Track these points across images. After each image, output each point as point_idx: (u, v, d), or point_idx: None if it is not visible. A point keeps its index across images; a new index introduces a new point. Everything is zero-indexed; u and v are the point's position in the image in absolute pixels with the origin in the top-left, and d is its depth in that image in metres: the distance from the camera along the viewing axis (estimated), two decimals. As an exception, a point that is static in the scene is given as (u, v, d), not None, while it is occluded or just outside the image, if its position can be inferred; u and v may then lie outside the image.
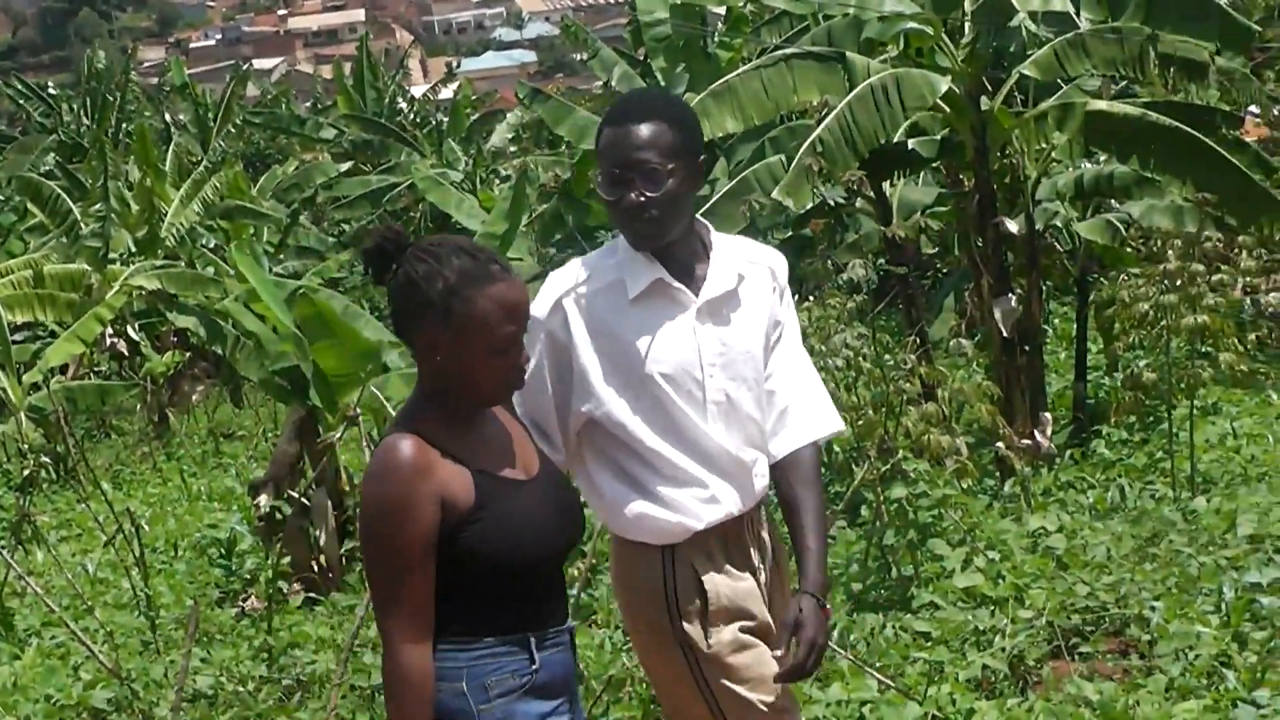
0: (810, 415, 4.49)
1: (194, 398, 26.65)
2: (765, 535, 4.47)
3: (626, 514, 4.34)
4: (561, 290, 4.37)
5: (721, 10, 21.81)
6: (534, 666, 3.77)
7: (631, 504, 4.33)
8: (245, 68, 47.54)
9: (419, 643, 3.65)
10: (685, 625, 4.33)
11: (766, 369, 4.42)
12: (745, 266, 4.40)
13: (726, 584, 4.33)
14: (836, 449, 10.66)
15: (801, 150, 13.71)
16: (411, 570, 3.64)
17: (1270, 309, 14.25)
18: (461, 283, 3.72)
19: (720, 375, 4.29)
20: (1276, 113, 23.97)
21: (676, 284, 4.29)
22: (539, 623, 3.83)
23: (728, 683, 4.33)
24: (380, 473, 3.69)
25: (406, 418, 3.80)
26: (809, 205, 13.77)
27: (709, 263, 4.36)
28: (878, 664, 7.21)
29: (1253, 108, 21.53)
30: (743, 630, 4.33)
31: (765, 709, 4.33)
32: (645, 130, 4.22)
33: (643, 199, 4.20)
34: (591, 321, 4.31)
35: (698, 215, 4.43)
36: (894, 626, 7.86)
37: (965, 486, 9.26)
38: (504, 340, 3.77)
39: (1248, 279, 14.19)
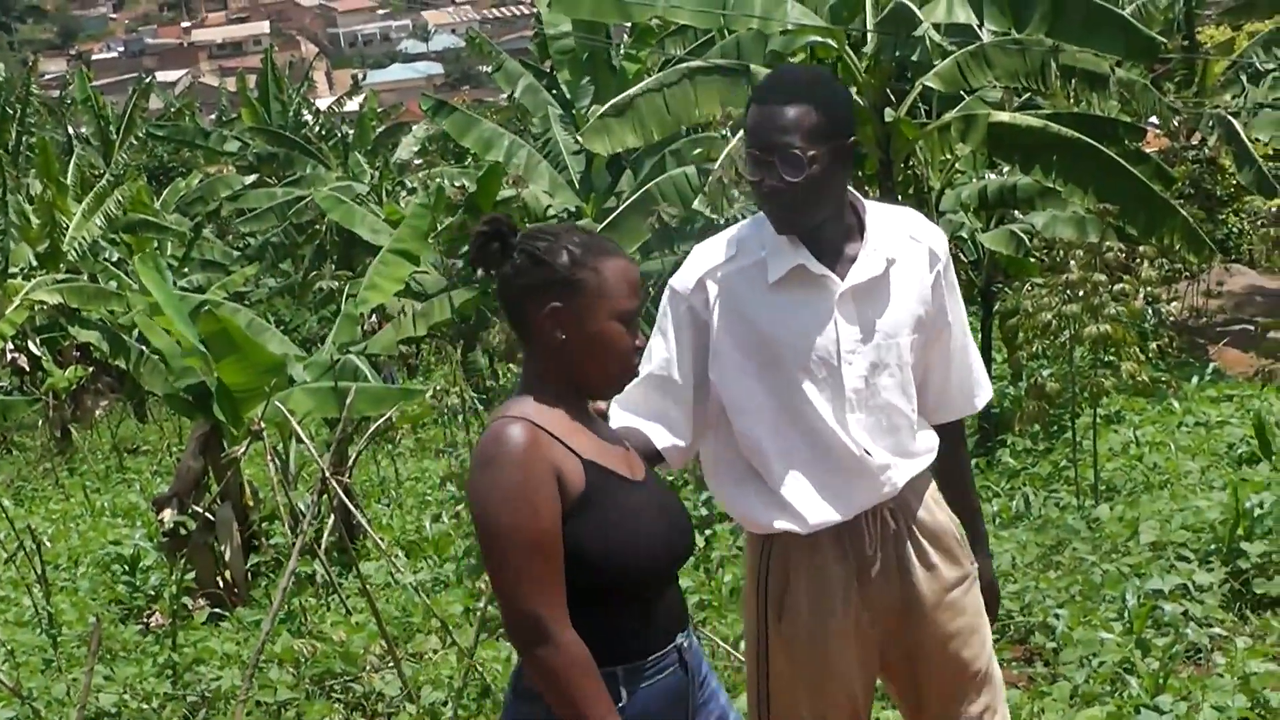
0: (967, 390, 4.48)
1: (97, 413, 26.44)
2: (894, 520, 4.26)
3: (737, 505, 4.31)
4: (705, 267, 4.23)
5: (627, 23, 21.86)
6: (619, 703, 3.55)
7: (743, 496, 4.28)
8: (148, 80, 47.06)
9: (569, 626, 3.45)
10: (770, 618, 4.30)
11: (925, 346, 4.31)
12: (901, 246, 4.23)
13: (817, 578, 4.24)
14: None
15: (719, 162, 13.77)
16: (552, 553, 3.48)
17: (1171, 318, 14.40)
18: (586, 254, 3.63)
19: (860, 362, 4.15)
20: (1177, 123, 24.25)
21: (820, 270, 4.14)
22: (638, 650, 3.62)
23: (781, 680, 4.32)
24: (494, 459, 3.51)
25: (512, 406, 3.63)
26: (729, 215, 13.81)
27: (861, 243, 4.18)
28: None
29: (1153, 119, 21.76)
30: (817, 628, 4.25)
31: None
32: (790, 112, 4.04)
33: (782, 184, 4.04)
34: (731, 302, 4.18)
35: (851, 190, 4.26)
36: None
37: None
38: (628, 314, 3.67)
39: (1149, 288, 14.34)
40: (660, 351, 4.26)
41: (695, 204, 14.25)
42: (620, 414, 4.24)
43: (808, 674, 4.28)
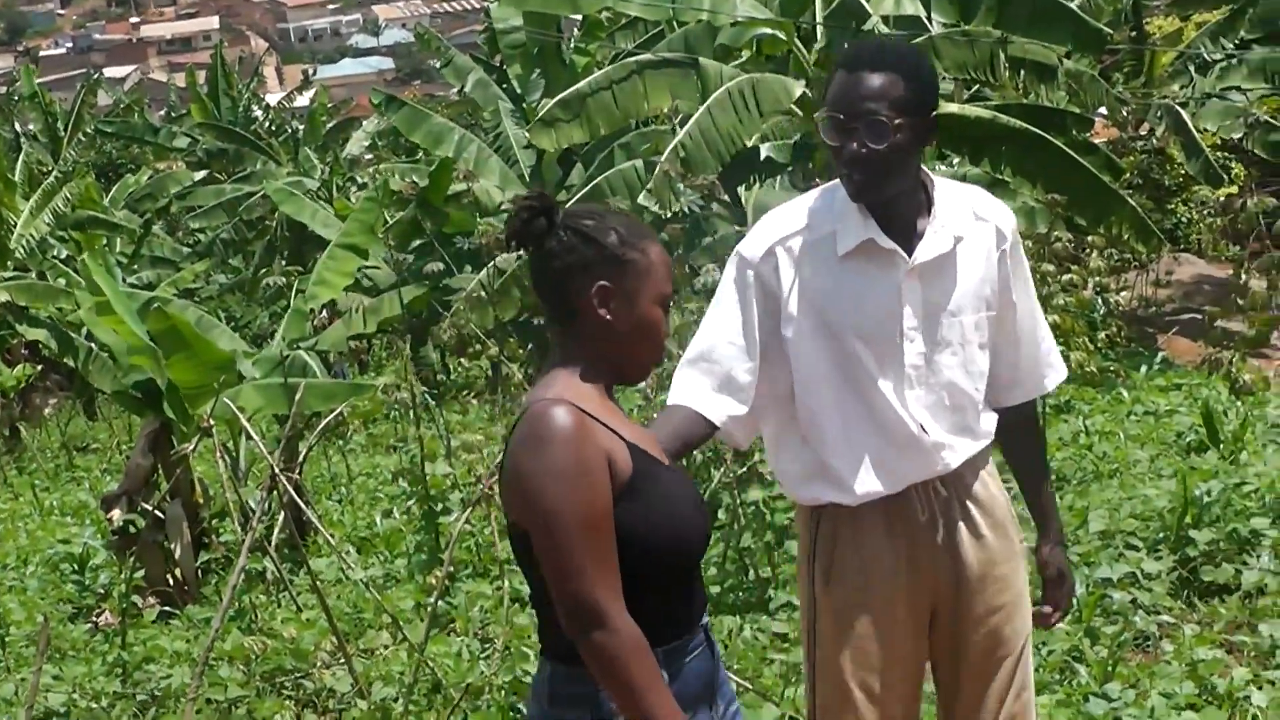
0: (1037, 370, 4.47)
1: (46, 411, 26.32)
2: (945, 488, 4.26)
3: (789, 478, 4.35)
4: (777, 236, 4.24)
5: (577, 16, 21.87)
6: (669, 685, 3.49)
7: (794, 464, 4.32)
8: (96, 76, 46.93)
9: (625, 610, 3.38)
10: (818, 585, 4.33)
11: (996, 327, 4.31)
12: (969, 225, 4.25)
13: (865, 548, 4.26)
14: (696, 454, 10.68)
15: (664, 156, 13.75)
16: (608, 535, 3.41)
17: (1120, 308, 14.46)
18: (632, 235, 3.60)
19: (920, 339, 4.18)
20: (1125, 114, 24.35)
21: (889, 244, 4.15)
22: (674, 632, 3.59)
23: (828, 647, 4.34)
24: (546, 440, 3.42)
25: (550, 388, 3.55)
26: (674, 210, 13.81)
27: (930, 219, 4.20)
28: (735, 666, 7.22)
29: (1102, 109, 21.85)
30: (864, 597, 4.27)
31: (858, 690, 4.31)
32: (877, 80, 4.05)
33: (864, 150, 4.04)
34: (799, 272, 4.19)
35: (922, 167, 4.26)
36: (752, 628, 7.88)
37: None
38: (667, 299, 3.66)
39: (1098, 278, 14.38)
40: (729, 319, 4.27)
41: (640, 199, 14.22)
42: (688, 384, 4.25)
43: (854, 642, 4.30)
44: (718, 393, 4.22)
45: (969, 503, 4.30)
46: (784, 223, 4.28)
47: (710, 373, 4.24)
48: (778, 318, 4.22)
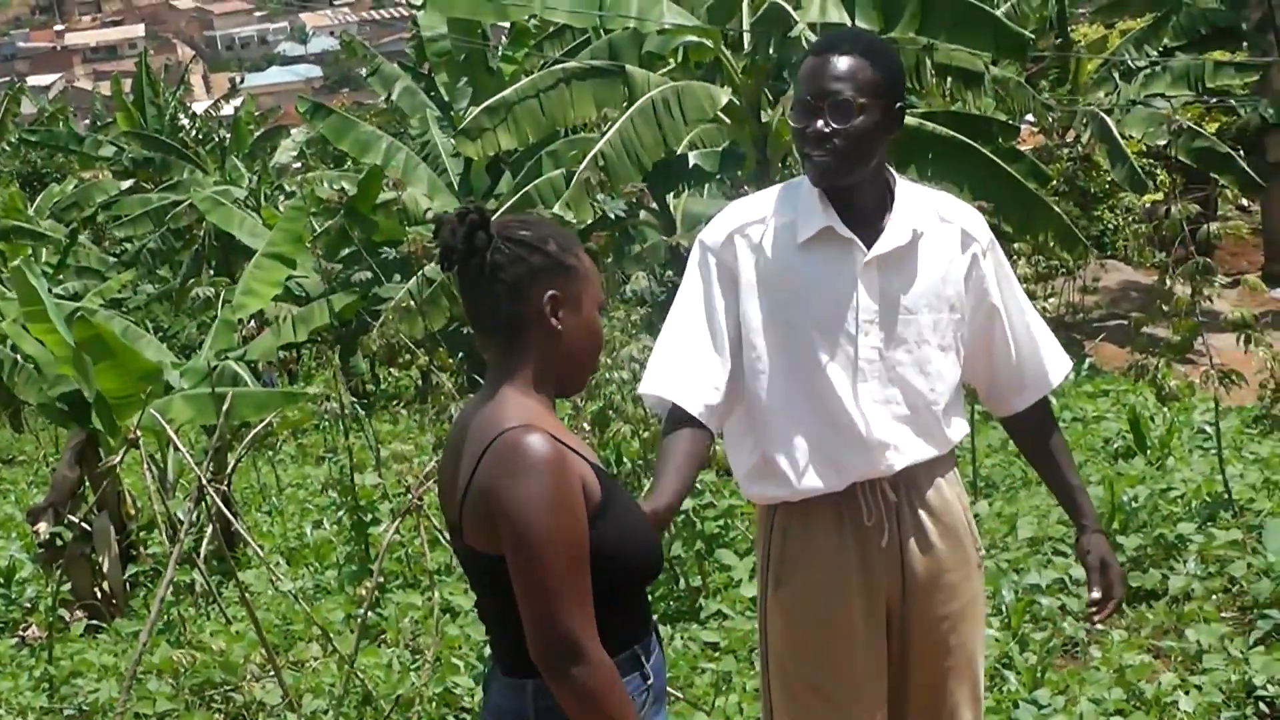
0: (1039, 370, 4.47)
1: (-29, 423, 26.08)
2: (894, 493, 4.24)
3: (740, 468, 4.36)
4: (736, 223, 4.29)
5: (505, 24, 21.87)
6: (649, 682, 3.56)
7: (746, 460, 4.33)
8: (20, 84, 46.58)
9: (599, 641, 3.35)
10: (770, 585, 4.35)
11: (974, 332, 4.32)
12: (930, 223, 4.25)
13: (813, 548, 4.26)
14: (626, 460, 10.67)
15: (583, 164, 13.74)
16: (585, 564, 3.36)
17: (1047, 314, 14.53)
18: (566, 240, 3.56)
19: (875, 333, 4.17)
20: (1051, 120, 24.52)
21: (847, 234, 4.17)
22: (641, 633, 3.60)
23: (777, 647, 4.36)
24: (528, 469, 3.35)
25: (504, 409, 3.47)
26: (590, 219, 13.79)
27: (890, 215, 4.21)
28: (667, 675, 7.21)
29: (1029, 116, 21.99)
30: (813, 597, 4.27)
31: (809, 692, 4.32)
32: (844, 63, 4.10)
33: (829, 129, 4.08)
34: (758, 259, 4.23)
35: (887, 165, 4.29)
36: (682, 637, 7.89)
37: (752, 496, 9.29)
38: (601, 305, 3.64)
39: (1025, 285, 14.44)
40: (696, 306, 4.29)
41: (555, 208, 14.21)
42: (662, 374, 4.29)
43: (804, 642, 4.31)
44: (691, 382, 4.24)
45: (920, 509, 4.28)
46: (744, 211, 4.33)
47: (682, 362, 4.26)
48: (737, 305, 4.25)
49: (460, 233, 3.49)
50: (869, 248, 4.17)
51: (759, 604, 4.45)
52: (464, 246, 3.49)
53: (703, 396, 4.23)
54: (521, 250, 3.50)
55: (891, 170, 4.31)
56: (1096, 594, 4.42)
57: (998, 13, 16.23)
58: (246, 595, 8.43)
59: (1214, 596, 7.47)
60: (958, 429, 4.35)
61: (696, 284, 4.30)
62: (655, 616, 3.99)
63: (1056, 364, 4.52)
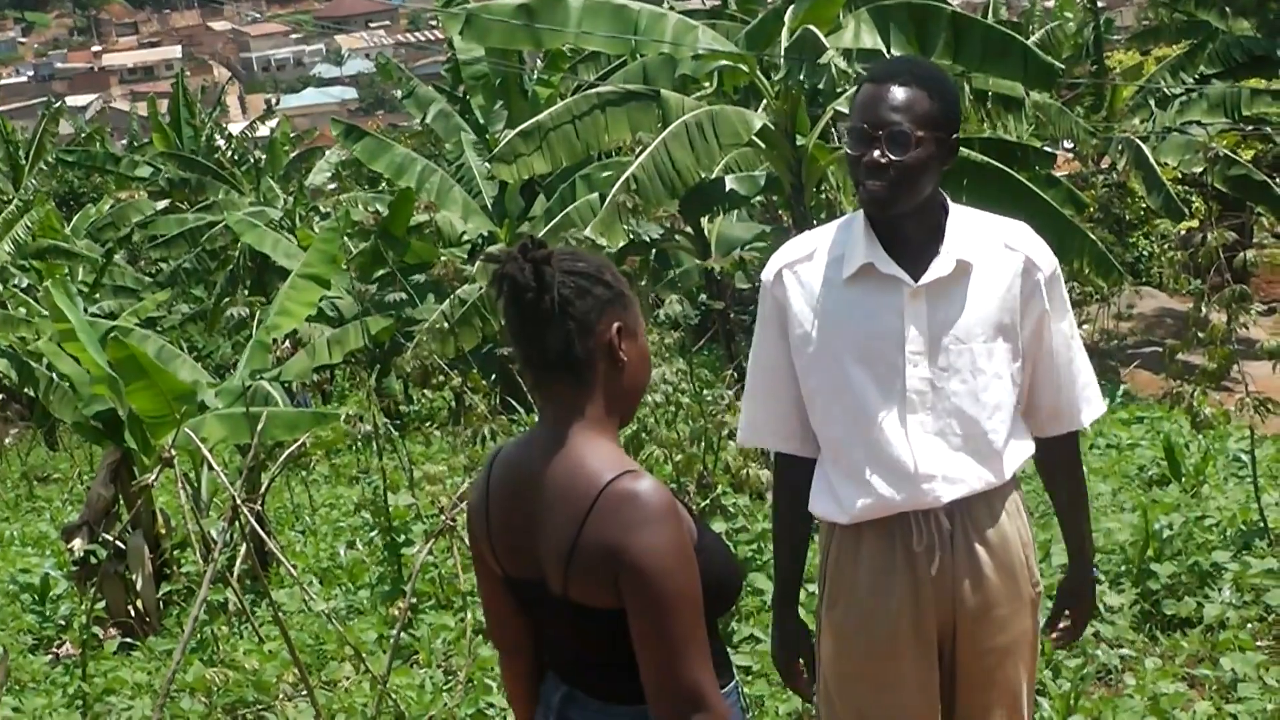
0: (1073, 406, 4.44)
1: (6, 441, 26.19)
2: (949, 521, 4.24)
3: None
4: (785, 259, 4.33)
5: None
6: (747, 713, 3.51)
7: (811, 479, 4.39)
8: (58, 105, 46.78)
9: (718, 686, 3.32)
10: (825, 604, 4.40)
11: (1026, 360, 4.30)
12: (986, 251, 4.23)
13: (866, 571, 4.28)
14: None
15: (615, 188, 13.74)
16: (703, 611, 3.30)
17: (1082, 341, 14.52)
18: (615, 268, 3.48)
19: (924, 364, 4.17)
20: (1090, 146, 24.48)
21: (889, 269, 4.17)
22: (728, 668, 3.55)
23: (828, 667, 4.39)
24: (654, 519, 3.25)
25: (601, 456, 3.38)
26: (623, 243, 13.79)
27: (941, 244, 4.20)
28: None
29: (1067, 143, 21.97)
30: (862, 620, 4.29)
31: (852, 714, 4.37)
32: (903, 93, 4.11)
33: (884, 160, 4.08)
34: (806, 295, 4.26)
35: (940, 191, 4.28)
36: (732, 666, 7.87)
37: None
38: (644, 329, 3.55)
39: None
40: (761, 346, 4.39)
41: (587, 230, 14.20)
42: (752, 421, 4.48)
43: (853, 664, 4.33)
44: (776, 424, 4.40)
45: (976, 542, 4.26)
46: (794, 248, 4.37)
47: (764, 406, 4.41)
48: (789, 339, 4.30)
49: (528, 269, 3.37)
50: (918, 278, 4.17)
51: (816, 622, 4.47)
52: (536, 284, 3.36)
53: (790, 433, 4.38)
54: (585, 282, 3.39)
55: (946, 199, 4.30)
56: (1065, 623, 4.60)
57: (1032, 39, 16.25)
58: (279, 615, 8.43)
59: (1249, 625, 7.45)
60: (1016, 455, 4.34)
61: (763, 323, 4.38)
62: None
63: (1092, 404, 4.49)
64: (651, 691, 3.29)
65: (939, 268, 4.17)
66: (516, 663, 3.75)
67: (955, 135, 4.20)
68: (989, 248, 4.24)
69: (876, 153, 4.09)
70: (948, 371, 4.19)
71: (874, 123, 4.11)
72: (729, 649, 8.02)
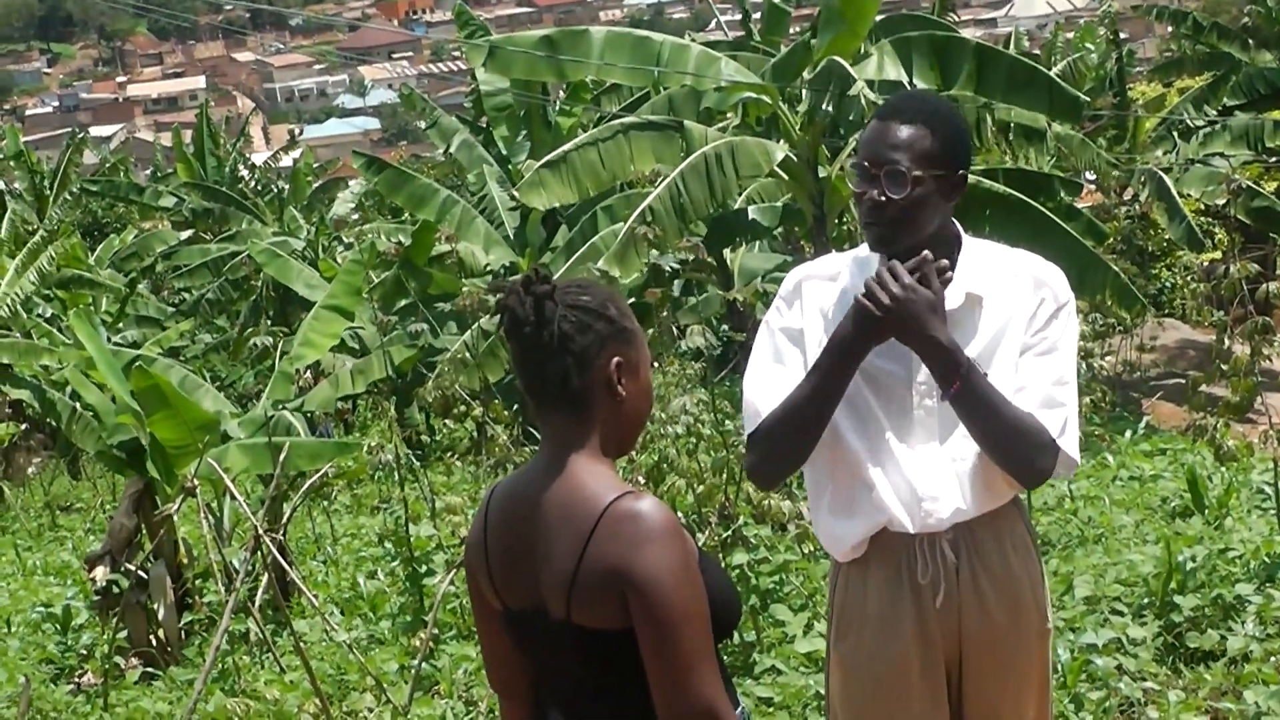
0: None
1: (29, 470, 26.23)
2: (954, 553, 4.21)
3: (813, 514, 4.40)
4: (804, 273, 4.36)
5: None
6: None
7: (816, 510, 4.37)
8: (82, 135, 46.87)
9: (729, 704, 3.37)
10: (834, 636, 4.38)
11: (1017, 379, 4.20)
12: (1000, 283, 4.23)
13: (872, 600, 4.27)
14: (680, 513, 10.67)
15: (631, 219, 13.76)
16: (710, 628, 3.33)
17: (1104, 372, 14.48)
18: (621, 303, 3.49)
19: (932, 390, 4.17)
20: (1116, 175, 24.48)
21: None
22: (732, 688, 3.54)
23: (836, 699, 4.38)
24: (657, 538, 3.27)
25: (599, 480, 3.40)
26: (636, 275, 13.80)
27: (951, 275, 4.17)
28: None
29: (1090, 174, 21.96)
30: (870, 650, 4.27)
31: None
32: (904, 131, 4.12)
33: (883, 199, 4.10)
34: (821, 314, 4.27)
35: (954, 223, 4.28)
36: (737, 693, 7.86)
37: (807, 552, 9.29)
38: (650, 366, 3.58)
39: (1082, 343, 14.38)
40: (792, 362, 4.28)
41: (601, 262, 14.20)
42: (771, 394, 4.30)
43: (860, 695, 4.32)
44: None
45: (981, 576, 4.24)
46: (813, 268, 4.40)
47: (778, 381, 4.29)
48: (804, 353, 4.27)
49: (528, 303, 3.41)
50: None
51: (825, 656, 4.46)
52: (535, 318, 3.40)
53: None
54: (587, 318, 3.43)
55: (959, 231, 4.29)
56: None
57: (1054, 70, 16.26)
58: (301, 645, 8.44)
59: (1273, 658, 7.42)
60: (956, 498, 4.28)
61: (780, 344, 4.31)
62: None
63: (1063, 446, 4.22)
64: (664, 708, 3.30)
65: (950, 299, 4.15)
66: (515, 709, 3.74)
67: (961, 172, 4.19)
68: (1002, 280, 4.24)
69: (875, 191, 4.11)
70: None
71: (874, 160, 4.13)
72: (750, 679, 8.03)
